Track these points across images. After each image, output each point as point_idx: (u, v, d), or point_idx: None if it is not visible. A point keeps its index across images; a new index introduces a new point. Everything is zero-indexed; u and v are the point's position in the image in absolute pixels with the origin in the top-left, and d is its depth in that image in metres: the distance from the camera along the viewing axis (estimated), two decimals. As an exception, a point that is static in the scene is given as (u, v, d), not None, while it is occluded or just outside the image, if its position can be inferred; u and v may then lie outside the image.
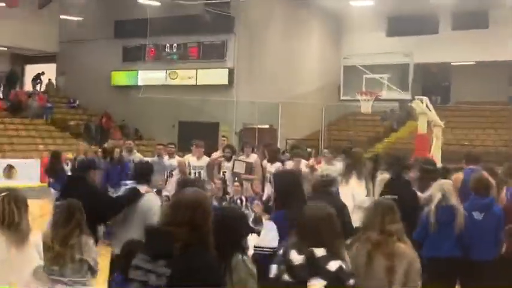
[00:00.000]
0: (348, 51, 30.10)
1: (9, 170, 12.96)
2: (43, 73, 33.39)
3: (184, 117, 30.64)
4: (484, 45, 30.29)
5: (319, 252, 3.56)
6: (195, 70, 30.72)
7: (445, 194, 6.18)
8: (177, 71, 31.25)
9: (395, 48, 28.18)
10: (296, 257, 3.54)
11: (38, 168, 23.80)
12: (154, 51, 31.56)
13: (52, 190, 12.25)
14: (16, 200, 4.49)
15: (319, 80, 32.98)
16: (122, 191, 6.60)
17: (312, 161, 13.15)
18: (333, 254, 3.59)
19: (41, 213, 5.41)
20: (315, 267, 3.52)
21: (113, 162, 12.64)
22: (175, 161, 12.64)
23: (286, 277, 3.60)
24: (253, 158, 12.49)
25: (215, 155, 12.95)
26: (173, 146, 13.40)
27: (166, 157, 12.94)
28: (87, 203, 5.54)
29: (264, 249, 5.27)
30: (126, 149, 13.31)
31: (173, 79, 31.35)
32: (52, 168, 12.46)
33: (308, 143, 29.02)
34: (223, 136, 16.68)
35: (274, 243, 5.16)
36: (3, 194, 4.53)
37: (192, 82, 30.70)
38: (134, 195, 6.16)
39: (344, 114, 34.81)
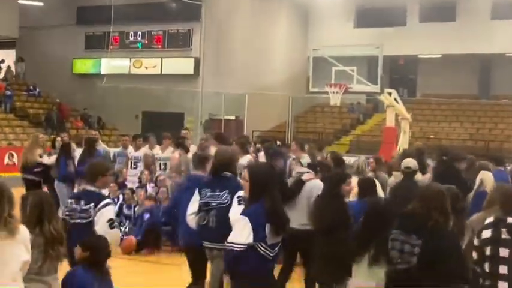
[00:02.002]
0: (316, 42, 29.81)
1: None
2: (3, 61, 32.26)
3: (148, 107, 30.01)
4: (451, 38, 30.30)
5: None
6: (159, 59, 30.08)
7: (482, 181, 7.69)
8: (141, 59, 30.56)
9: (363, 39, 27.97)
10: None
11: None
12: (118, 39, 30.79)
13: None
14: (1, 193, 4.06)
15: (287, 71, 32.61)
16: (291, 179, 8.10)
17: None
18: None
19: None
20: None
21: (85, 153, 12.23)
22: (141, 152, 12.74)
23: (505, 235, 4.86)
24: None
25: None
26: (140, 140, 13.32)
27: (130, 148, 13.10)
28: None
29: (239, 246, 4.91)
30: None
31: (137, 68, 30.65)
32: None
33: (274, 135, 28.74)
34: (186, 128, 16.47)
35: (250, 239, 4.88)
36: None
37: (157, 71, 30.06)
38: (300, 184, 7.73)
39: (311, 106, 34.58)
